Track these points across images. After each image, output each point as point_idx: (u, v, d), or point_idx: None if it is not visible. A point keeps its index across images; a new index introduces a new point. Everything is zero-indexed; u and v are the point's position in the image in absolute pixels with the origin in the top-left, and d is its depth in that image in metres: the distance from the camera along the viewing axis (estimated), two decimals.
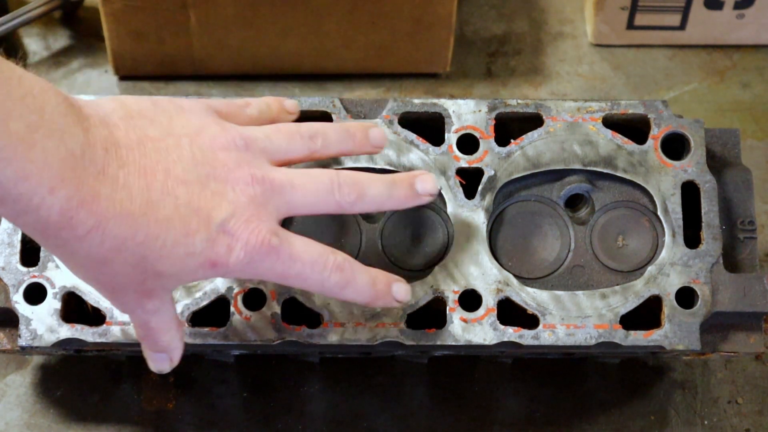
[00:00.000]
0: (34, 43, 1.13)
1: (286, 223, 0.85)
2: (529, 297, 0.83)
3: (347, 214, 0.81)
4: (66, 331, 0.82)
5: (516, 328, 0.82)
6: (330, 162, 0.84)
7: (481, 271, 0.83)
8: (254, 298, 0.82)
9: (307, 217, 0.85)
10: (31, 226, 0.64)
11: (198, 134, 0.71)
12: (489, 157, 0.85)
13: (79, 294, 0.82)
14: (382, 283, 0.77)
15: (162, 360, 0.77)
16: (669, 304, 0.83)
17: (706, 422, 0.94)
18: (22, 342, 0.82)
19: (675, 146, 0.87)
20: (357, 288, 0.75)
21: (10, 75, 0.61)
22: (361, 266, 0.76)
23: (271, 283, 0.82)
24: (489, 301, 0.83)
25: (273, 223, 0.71)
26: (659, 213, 0.85)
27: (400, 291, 0.78)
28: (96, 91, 1.09)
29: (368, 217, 0.86)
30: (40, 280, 0.82)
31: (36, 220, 0.63)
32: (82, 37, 1.13)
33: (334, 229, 0.86)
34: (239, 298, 0.82)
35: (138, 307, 0.72)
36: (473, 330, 0.82)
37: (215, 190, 0.69)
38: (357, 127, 0.79)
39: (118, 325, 0.82)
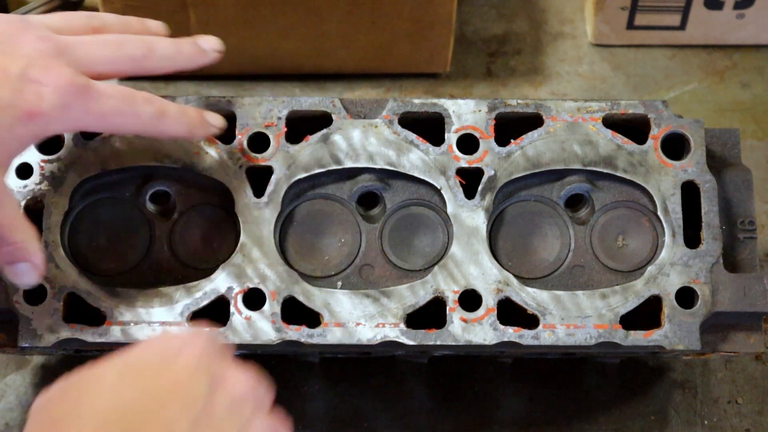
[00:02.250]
0: None
1: (287, 222, 0.85)
2: (529, 297, 0.83)
3: (146, 74, 0.81)
4: (66, 331, 0.82)
5: (516, 328, 0.82)
6: (329, 161, 0.84)
7: (481, 271, 0.83)
8: (254, 298, 0.82)
9: (306, 218, 0.85)
10: None
11: None
12: (489, 157, 0.85)
13: (79, 294, 0.82)
14: (193, 111, 0.81)
15: (25, 271, 0.74)
16: (669, 304, 0.83)
17: (706, 422, 0.95)
18: (22, 342, 0.82)
19: (675, 146, 0.87)
20: (172, 117, 0.79)
21: None
22: (167, 100, 0.80)
23: (272, 283, 0.82)
24: (489, 301, 0.83)
25: (74, 71, 0.73)
26: (659, 213, 0.85)
27: (213, 117, 0.82)
28: None
29: (368, 218, 0.86)
30: (41, 281, 0.82)
31: None
32: None
33: (334, 229, 0.86)
34: (239, 298, 0.82)
35: None
36: (473, 330, 0.82)
37: (4, 50, 0.72)
38: (187, 42, 0.83)
39: (118, 325, 0.82)
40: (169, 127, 0.79)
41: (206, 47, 0.83)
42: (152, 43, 0.80)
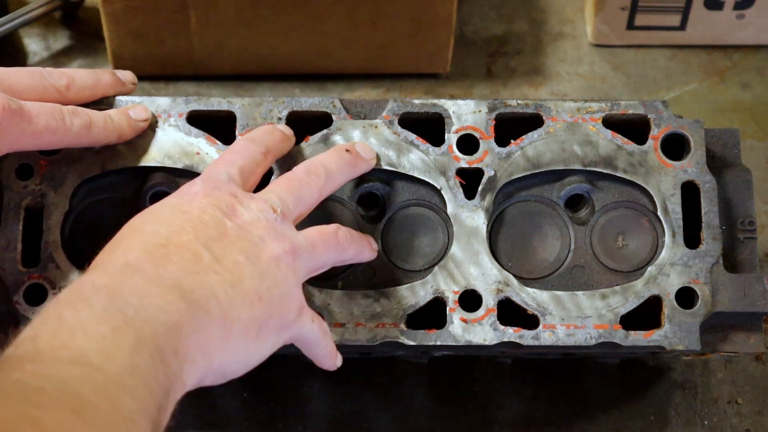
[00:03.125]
0: (34, 43, 1.13)
1: None
2: (529, 297, 0.83)
3: (71, 103, 0.82)
4: None
5: (516, 328, 0.82)
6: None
7: (481, 271, 0.83)
8: None
9: (306, 219, 0.85)
10: None
11: None
12: (489, 158, 0.85)
13: None
14: (118, 115, 0.84)
15: None
16: (669, 304, 0.83)
17: (706, 422, 0.95)
18: None
19: (675, 146, 0.87)
20: (100, 126, 0.82)
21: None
22: (93, 110, 0.83)
23: None
24: (489, 301, 0.83)
25: (7, 96, 0.77)
26: (659, 213, 0.85)
27: (138, 112, 0.85)
28: None
29: (368, 218, 0.86)
30: (41, 281, 0.82)
31: None
32: (82, 37, 1.13)
33: None
34: None
35: None
36: (473, 330, 0.82)
37: None
38: (106, 73, 0.87)
39: None
40: (98, 136, 0.82)
41: (123, 79, 0.87)
42: (73, 74, 0.84)
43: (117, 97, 0.86)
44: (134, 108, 0.85)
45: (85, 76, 0.85)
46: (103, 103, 0.86)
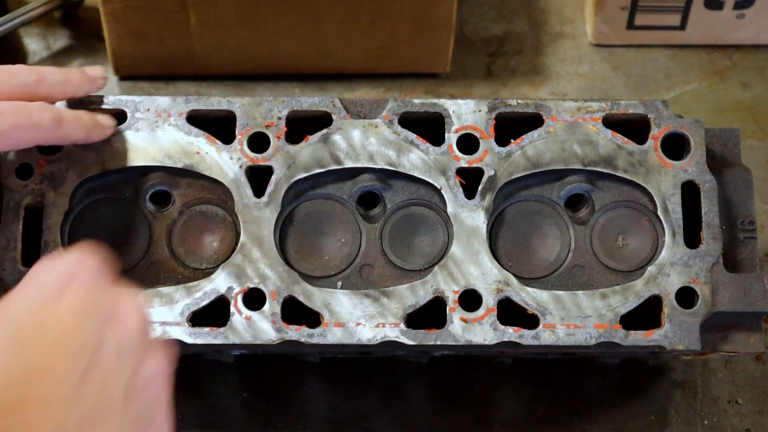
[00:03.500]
0: (34, 43, 1.13)
1: (287, 222, 0.85)
2: (529, 297, 0.83)
3: (40, 100, 0.81)
4: None
5: (516, 328, 0.82)
6: (330, 161, 0.84)
7: (481, 271, 0.83)
8: (254, 298, 0.82)
9: (306, 218, 0.85)
10: None
11: None
12: (489, 157, 0.85)
13: None
14: (86, 115, 0.83)
15: None
16: (669, 304, 0.83)
17: (706, 422, 0.95)
18: None
19: (675, 146, 0.87)
20: (70, 122, 0.81)
21: None
22: (62, 108, 0.83)
23: (272, 283, 0.82)
24: (489, 301, 0.83)
25: None
26: (659, 213, 0.85)
27: (105, 118, 0.84)
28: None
29: (368, 218, 0.87)
30: None
31: None
32: (82, 37, 1.13)
33: (334, 229, 0.86)
34: (239, 298, 0.82)
35: None
36: (473, 330, 0.82)
37: None
38: (75, 71, 0.85)
39: None
40: (68, 132, 0.81)
41: (92, 75, 0.86)
42: (43, 72, 0.82)
43: (116, 97, 0.86)
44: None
45: (56, 74, 0.83)
46: (92, 103, 0.86)
